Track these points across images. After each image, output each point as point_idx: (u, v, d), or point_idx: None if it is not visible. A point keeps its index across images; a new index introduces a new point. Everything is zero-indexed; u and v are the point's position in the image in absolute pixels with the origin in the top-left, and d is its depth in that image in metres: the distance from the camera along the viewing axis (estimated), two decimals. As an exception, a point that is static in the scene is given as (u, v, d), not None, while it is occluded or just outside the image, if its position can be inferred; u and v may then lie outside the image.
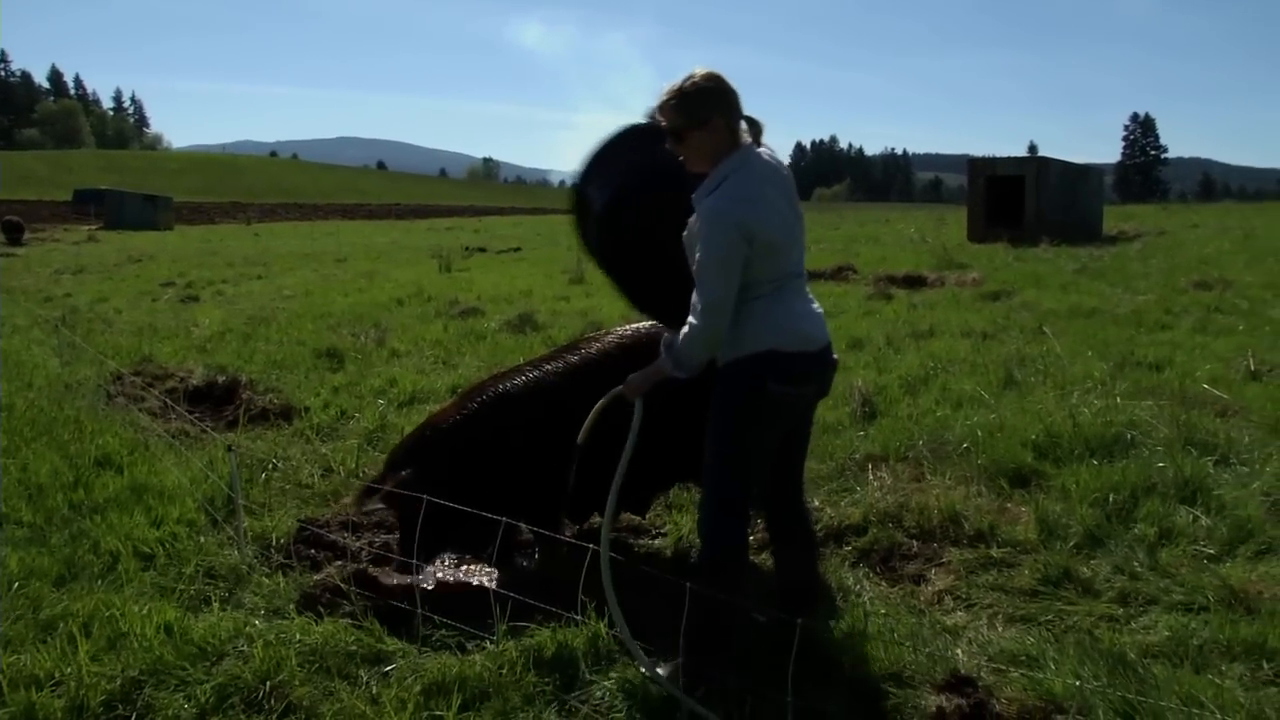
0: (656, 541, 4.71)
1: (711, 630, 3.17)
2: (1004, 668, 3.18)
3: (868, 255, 18.85)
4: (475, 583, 4.38)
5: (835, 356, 3.31)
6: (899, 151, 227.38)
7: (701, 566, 3.14)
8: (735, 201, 2.98)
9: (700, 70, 3.05)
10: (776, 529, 3.53)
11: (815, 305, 3.28)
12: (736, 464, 3.15)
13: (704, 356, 3.08)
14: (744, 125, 3.09)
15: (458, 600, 3.85)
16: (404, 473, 3.99)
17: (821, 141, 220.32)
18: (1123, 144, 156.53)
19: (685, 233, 3.14)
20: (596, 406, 3.41)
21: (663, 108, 3.05)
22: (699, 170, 3.12)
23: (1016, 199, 22.95)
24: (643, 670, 3.12)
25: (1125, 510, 4.43)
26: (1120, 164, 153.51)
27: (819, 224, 37.93)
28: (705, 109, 3.01)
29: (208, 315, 12.38)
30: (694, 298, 3.03)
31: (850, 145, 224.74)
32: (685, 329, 3.05)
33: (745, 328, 3.07)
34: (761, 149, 3.12)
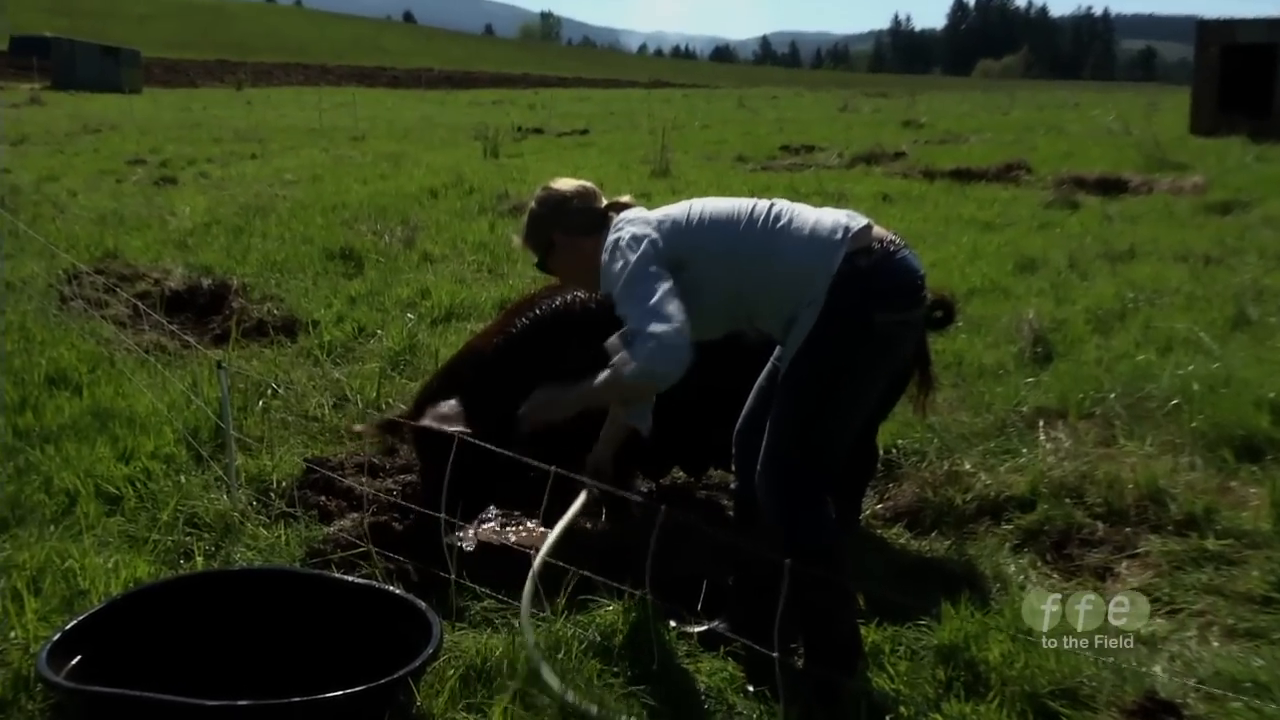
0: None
1: (832, 635, 3.26)
2: (1220, 694, 3.15)
3: (1047, 150, 18.44)
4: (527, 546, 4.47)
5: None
6: (1096, 11, 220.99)
7: (796, 560, 3.13)
8: (624, 224, 3.35)
9: (535, 192, 3.64)
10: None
11: None
12: (828, 431, 3.26)
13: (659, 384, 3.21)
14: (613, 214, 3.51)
15: (502, 565, 3.95)
16: (444, 406, 4.08)
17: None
18: None
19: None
20: (567, 515, 3.60)
21: (524, 247, 3.66)
22: (592, 288, 3.63)
23: (1263, 77, 22.16)
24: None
25: (1396, 497, 4.32)
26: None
27: (982, 108, 37.15)
28: (541, 233, 3.55)
29: (188, 202, 12.62)
30: (625, 326, 3.23)
31: (1030, 2, 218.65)
32: (618, 369, 3.21)
33: (799, 252, 3.20)
34: None
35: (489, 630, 3.47)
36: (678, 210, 3.39)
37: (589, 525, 4.45)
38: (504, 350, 4.26)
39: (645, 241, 3.25)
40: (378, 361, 6.41)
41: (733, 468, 3.62)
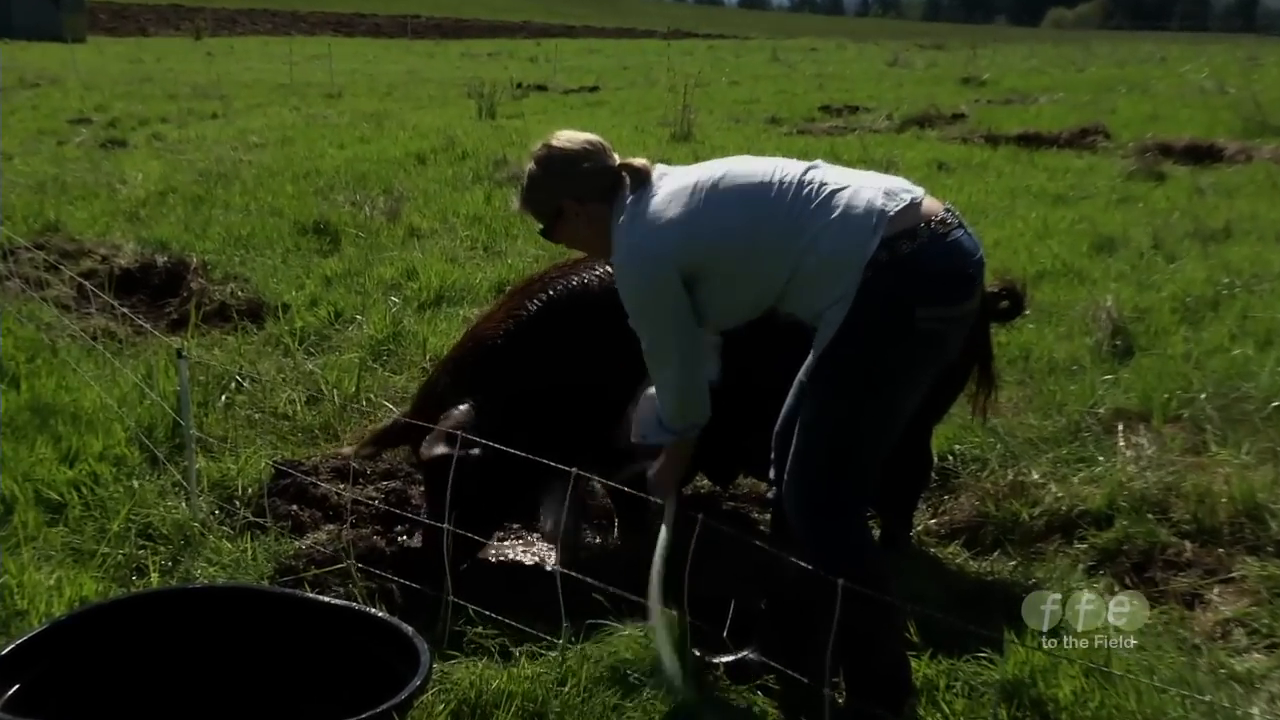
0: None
1: (874, 667, 3.31)
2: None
3: (1129, 112, 18.36)
4: (528, 560, 4.50)
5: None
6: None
7: (826, 584, 3.15)
8: (642, 235, 3.37)
9: (536, 149, 3.60)
10: None
11: None
12: (862, 439, 3.27)
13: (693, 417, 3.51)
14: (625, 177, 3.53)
15: (500, 585, 3.99)
16: (456, 413, 4.10)
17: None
18: None
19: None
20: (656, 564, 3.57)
21: (525, 213, 3.74)
22: (605, 256, 3.67)
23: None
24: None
25: None
26: None
27: (1054, 63, 36.98)
28: (548, 200, 3.56)
29: (140, 168, 12.66)
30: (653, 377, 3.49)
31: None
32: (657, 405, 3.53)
33: (827, 241, 3.19)
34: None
35: (485, 659, 3.49)
36: (693, 193, 3.37)
37: (598, 539, 4.47)
38: (515, 338, 4.25)
39: (658, 271, 3.31)
40: (357, 351, 6.44)
41: (770, 475, 3.62)
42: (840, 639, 3.10)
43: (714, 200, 3.32)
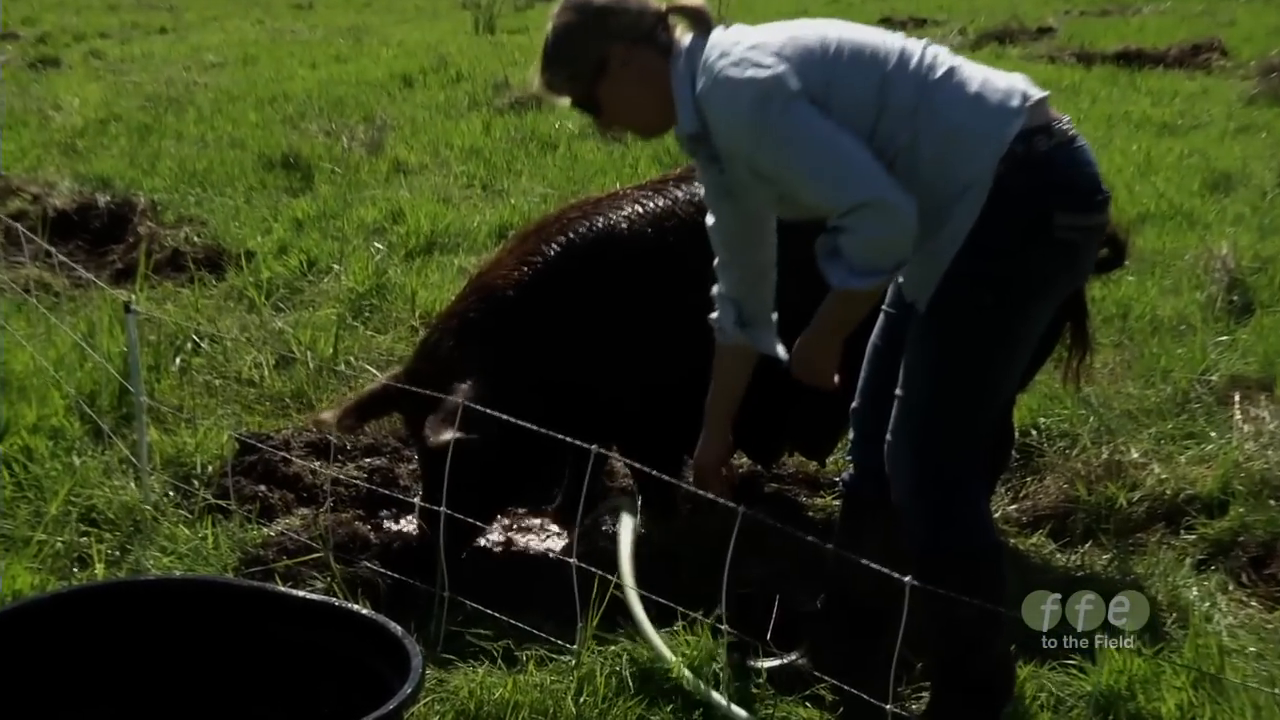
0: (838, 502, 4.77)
1: (974, 668, 3.33)
2: None
3: (1250, 23, 18.17)
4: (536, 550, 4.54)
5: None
6: None
7: (938, 567, 3.16)
8: (735, 48, 3.12)
9: (557, 6, 3.33)
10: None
11: None
12: (989, 380, 3.27)
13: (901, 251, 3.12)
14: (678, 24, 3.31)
15: (502, 578, 4.04)
16: (465, 388, 4.08)
17: None
18: None
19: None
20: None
21: (551, 84, 3.38)
22: (655, 127, 3.44)
23: None
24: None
25: None
26: None
27: (1161, -34, 36.67)
28: (588, 51, 3.26)
29: (76, 92, 12.72)
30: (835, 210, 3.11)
31: None
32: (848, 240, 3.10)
33: (961, 113, 3.13)
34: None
35: (486, 663, 3.52)
36: (806, 33, 3.18)
37: (613, 526, 4.51)
38: (531, 289, 4.23)
39: (786, 81, 3.04)
40: (334, 306, 6.48)
41: (848, 456, 3.60)
42: (939, 635, 3.18)
43: (835, 39, 3.16)
